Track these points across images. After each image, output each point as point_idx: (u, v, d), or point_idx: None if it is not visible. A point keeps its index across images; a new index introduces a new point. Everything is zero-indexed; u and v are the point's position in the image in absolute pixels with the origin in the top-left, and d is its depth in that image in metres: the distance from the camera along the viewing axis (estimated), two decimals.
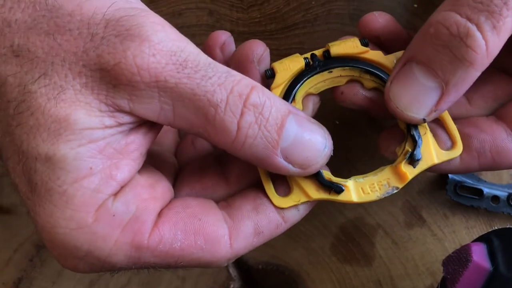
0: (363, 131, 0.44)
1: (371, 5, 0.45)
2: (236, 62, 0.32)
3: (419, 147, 0.30)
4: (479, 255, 0.32)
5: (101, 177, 0.26)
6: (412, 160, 0.30)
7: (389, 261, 0.43)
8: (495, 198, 0.41)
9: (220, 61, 0.32)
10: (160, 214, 0.28)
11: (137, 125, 0.28)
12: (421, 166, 0.30)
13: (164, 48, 0.26)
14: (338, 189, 0.30)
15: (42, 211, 0.26)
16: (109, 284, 0.43)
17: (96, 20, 0.26)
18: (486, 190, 0.41)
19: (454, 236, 0.43)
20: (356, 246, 0.43)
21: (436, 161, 0.31)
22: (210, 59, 0.28)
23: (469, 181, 0.42)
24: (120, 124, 0.27)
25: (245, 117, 0.27)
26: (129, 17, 0.26)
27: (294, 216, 0.31)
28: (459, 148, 0.31)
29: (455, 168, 0.32)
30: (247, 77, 0.28)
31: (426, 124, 0.31)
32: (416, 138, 0.30)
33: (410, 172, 0.30)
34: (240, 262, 0.44)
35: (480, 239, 0.34)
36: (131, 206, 0.27)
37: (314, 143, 0.28)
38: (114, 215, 0.27)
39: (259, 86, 0.28)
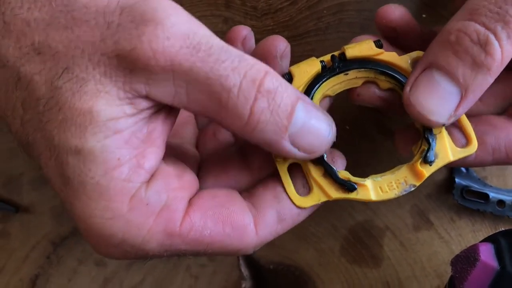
0: (373, 136, 0.45)
1: None
2: (258, 57, 0.32)
3: (433, 147, 0.31)
4: (487, 255, 0.33)
5: (129, 166, 0.27)
6: (427, 161, 0.31)
7: (397, 263, 0.44)
8: (501, 203, 0.42)
9: None
10: (190, 203, 0.29)
11: (155, 111, 0.28)
12: (437, 163, 0.31)
13: (178, 31, 0.26)
14: (351, 188, 0.31)
15: (77, 203, 0.27)
16: (123, 282, 0.44)
17: (111, 9, 0.26)
18: (492, 195, 0.42)
19: (461, 239, 0.44)
20: (365, 248, 0.44)
21: (451, 158, 0.31)
22: (223, 42, 0.27)
23: (475, 186, 0.43)
24: (140, 111, 0.27)
25: (258, 102, 0.27)
26: (142, 2, 0.27)
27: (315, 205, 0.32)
28: (474, 145, 0.32)
29: (469, 162, 0.33)
30: (260, 61, 0.28)
31: None
32: (431, 139, 0.31)
33: (426, 170, 0.31)
34: (252, 262, 0.45)
35: (487, 239, 0.35)
36: (163, 195, 0.28)
37: (320, 129, 0.29)
38: (147, 204, 0.27)
39: (272, 71, 0.28)
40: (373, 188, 0.31)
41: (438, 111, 0.30)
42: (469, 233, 0.44)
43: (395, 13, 0.35)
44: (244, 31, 0.34)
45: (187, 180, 0.30)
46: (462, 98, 0.30)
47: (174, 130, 0.33)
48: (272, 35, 0.33)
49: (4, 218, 0.45)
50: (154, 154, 0.28)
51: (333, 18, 0.46)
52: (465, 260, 0.34)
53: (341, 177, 0.31)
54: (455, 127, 0.33)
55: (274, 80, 0.28)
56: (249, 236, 0.29)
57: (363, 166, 0.45)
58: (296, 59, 0.46)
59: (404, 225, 0.44)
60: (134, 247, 0.28)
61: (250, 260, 0.45)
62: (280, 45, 0.33)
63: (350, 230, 0.44)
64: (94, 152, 0.26)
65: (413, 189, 0.31)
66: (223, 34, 0.46)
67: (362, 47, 0.33)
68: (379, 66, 0.33)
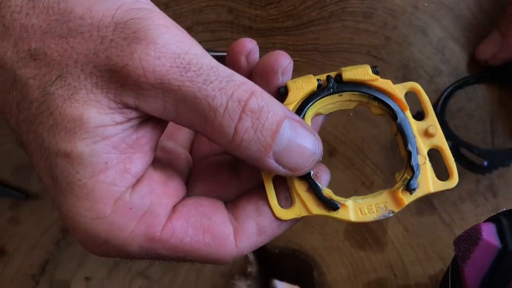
0: (376, 122, 0.46)
1: (383, 3, 0.47)
2: (260, 71, 0.33)
3: (416, 177, 0.31)
4: (489, 234, 0.34)
5: (116, 171, 0.28)
6: (409, 188, 0.31)
7: (400, 247, 0.44)
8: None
9: (244, 68, 0.33)
10: (174, 210, 0.30)
11: (145, 119, 0.29)
12: (417, 193, 0.31)
13: (169, 50, 0.27)
14: (334, 207, 0.31)
15: (65, 202, 0.28)
16: (132, 266, 0.44)
17: (105, 23, 0.27)
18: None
19: (463, 223, 0.44)
20: (369, 232, 0.44)
21: (432, 190, 0.32)
22: (213, 62, 0.28)
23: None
24: (129, 120, 0.28)
25: (243, 122, 0.28)
26: (136, 20, 0.27)
27: (295, 219, 0.32)
28: (455, 180, 0.32)
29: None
30: (248, 81, 0.29)
31: (426, 154, 0.32)
32: (415, 168, 0.32)
33: (406, 198, 0.31)
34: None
35: (489, 219, 0.36)
36: (147, 200, 0.29)
37: (305, 149, 0.29)
38: (131, 208, 0.28)
39: (258, 91, 0.28)
40: (353, 209, 0.31)
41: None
42: (472, 217, 0.44)
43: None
44: (250, 45, 0.34)
45: (173, 187, 0.31)
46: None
47: (170, 132, 0.35)
48: (277, 51, 0.33)
49: (15, 205, 0.45)
50: (141, 160, 0.29)
51: (336, 7, 0.47)
52: (468, 240, 0.34)
53: (324, 195, 0.31)
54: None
55: (259, 100, 0.28)
56: (228, 248, 0.30)
57: (367, 152, 0.46)
58: (300, 47, 0.47)
59: (408, 210, 0.44)
60: (116, 247, 0.28)
61: None
62: (283, 61, 0.33)
63: None
64: (82, 156, 0.27)
65: (391, 215, 0.32)
66: (228, 23, 0.47)
67: (359, 71, 0.33)
68: (372, 91, 0.33)
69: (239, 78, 0.28)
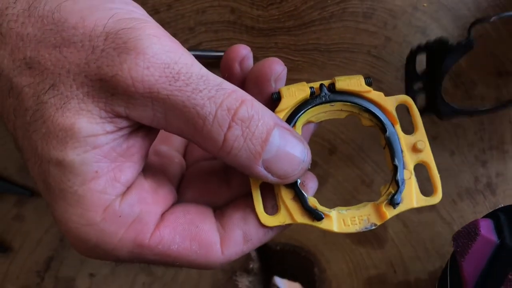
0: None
1: (383, 4, 0.47)
2: (253, 78, 0.33)
3: (400, 192, 0.32)
4: (487, 229, 0.35)
5: (106, 179, 0.28)
6: (393, 202, 0.32)
7: (400, 244, 0.45)
8: None
9: (237, 75, 0.33)
10: (162, 217, 0.30)
11: (135, 129, 0.29)
12: (400, 208, 0.32)
13: (158, 60, 0.27)
14: (318, 217, 0.31)
15: (57, 207, 0.29)
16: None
17: (97, 33, 0.27)
18: None
19: (462, 220, 0.45)
20: None
21: (415, 205, 0.32)
22: (203, 71, 0.29)
23: None
24: (120, 129, 0.28)
25: (232, 130, 0.28)
26: (127, 30, 0.27)
27: (280, 226, 0.32)
28: (438, 196, 0.32)
29: None
30: (238, 90, 0.29)
31: (412, 169, 0.32)
32: (400, 183, 0.32)
33: (389, 212, 0.32)
34: None
35: (487, 216, 0.36)
36: (136, 208, 0.29)
37: (294, 157, 0.30)
38: (120, 216, 0.29)
39: (249, 99, 0.29)
40: (336, 220, 0.32)
41: None
42: (471, 215, 0.45)
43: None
44: (243, 51, 0.34)
45: (162, 194, 0.31)
46: None
47: (164, 136, 0.35)
48: (271, 58, 0.33)
49: (20, 202, 0.46)
50: (131, 169, 0.29)
51: (337, 7, 0.48)
52: (466, 235, 0.35)
53: (309, 205, 0.31)
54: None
55: (249, 108, 0.29)
56: (215, 255, 0.30)
57: (367, 150, 0.47)
58: (301, 47, 0.48)
59: None
60: (106, 252, 0.29)
61: None
62: (277, 68, 0.33)
63: None
64: (73, 165, 0.28)
65: (373, 227, 0.32)
66: (230, 23, 0.48)
67: (352, 81, 0.34)
68: (364, 103, 0.33)
69: (229, 86, 0.29)
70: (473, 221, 0.36)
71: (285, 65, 0.33)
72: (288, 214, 0.32)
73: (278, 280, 0.51)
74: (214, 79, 0.29)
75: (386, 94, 0.34)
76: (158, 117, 0.28)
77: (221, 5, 0.48)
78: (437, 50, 0.39)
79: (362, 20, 0.47)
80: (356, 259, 0.45)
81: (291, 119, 0.33)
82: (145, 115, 0.28)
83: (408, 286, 0.44)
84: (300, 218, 0.32)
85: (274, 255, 0.46)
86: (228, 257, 0.31)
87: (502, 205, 0.37)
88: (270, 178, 0.30)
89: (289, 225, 0.32)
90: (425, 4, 0.48)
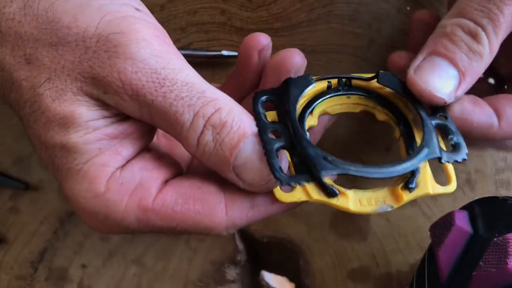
0: (368, 126, 0.48)
1: (368, 7, 0.49)
2: (274, 67, 0.34)
3: (416, 176, 0.32)
4: (462, 220, 0.36)
5: (109, 154, 0.30)
6: (407, 186, 0.32)
7: (383, 237, 0.46)
8: None
9: (254, 63, 0.34)
10: (166, 183, 0.32)
11: None
12: (417, 192, 0.32)
13: (146, 66, 0.29)
14: (333, 193, 0.31)
15: (66, 185, 0.30)
16: (126, 254, 0.46)
17: (89, 34, 0.29)
18: None
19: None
20: (352, 222, 0.46)
21: (431, 191, 0.32)
22: (189, 77, 0.30)
23: None
24: (116, 114, 0.30)
25: (203, 135, 0.29)
26: (117, 34, 0.29)
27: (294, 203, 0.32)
28: (453, 186, 0.33)
29: (493, 133, 0.37)
30: (221, 98, 0.30)
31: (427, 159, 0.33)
32: (415, 169, 0.32)
33: (406, 195, 0.32)
34: (246, 236, 0.47)
35: (463, 208, 0.38)
36: (136, 175, 0.31)
37: (262, 168, 0.30)
38: (121, 184, 0.30)
39: (226, 107, 0.30)
40: (353, 199, 0.31)
41: (441, 88, 0.33)
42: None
43: (402, 64, 0.38)
44: (265, 41, 0.34)
45: (165, 162, 0.32)
46: (460, 80, 0.34)
47: None
48: (292, 49, 0.34)
49: (15, 195, 0.47)
50: (131, 144, 0.31)
51: (323, 10, 0.49)
52: (442, 226, 0.37)
53: (325, 181, 0.31)
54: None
55: (223, 115, 0.29)
56: (218, 215, 0.31)
57: (360, 153, 0.48)
58: (288, 47, 0.49)
59: None
60: (116, 222, 0.31)
61: (245, 234, 0.47)
62: (298, 60, 0.34)
63: None
64: (77, 145, 0.30)
65: (389, 209, 0.32)
66: (220, 24, 0.50)
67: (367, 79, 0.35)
68: (379, 98, 0.35)
69: (211, 95, 0.30)
70: (449, 212, 0.37)
71: None
72: (304, 191, 0.31)
73: (266, 275, 0.53)
74: (199, 86, 0.30)
75: None
76: (145, 115, 0.30)
77: (212, 6, 0.49)
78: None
79: (347, 22, 0.49)
80: (340, 252, 0.46)
81: (308, 107, 0.34)
82: (133, 112, 0.30)
83: (390, 278, 0.46)
84: (316, 195, 0.31)
85: (261, 247, 0.48)
86: (233, 219, 0.31)
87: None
88: (242, 185, 0.31)
89: (303, 202, 0.31)
90: (408, 8, 0.50)
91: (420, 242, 0.46)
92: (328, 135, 0.48)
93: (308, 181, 0.30)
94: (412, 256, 0.46)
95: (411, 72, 0.34)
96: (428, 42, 0.35)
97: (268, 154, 0.30)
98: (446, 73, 0.34)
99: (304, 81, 0.33)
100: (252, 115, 0.32)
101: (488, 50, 0.34)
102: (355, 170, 0.30)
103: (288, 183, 0.30)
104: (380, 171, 0.31)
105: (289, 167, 0.32)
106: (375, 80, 0.35)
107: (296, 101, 0.33)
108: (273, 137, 0.31)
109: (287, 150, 0.31)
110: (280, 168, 0.30)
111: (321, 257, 0.46)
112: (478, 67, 0.34)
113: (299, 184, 0.30)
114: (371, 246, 0.46)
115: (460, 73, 0.34)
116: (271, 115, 0.33)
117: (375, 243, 0.46)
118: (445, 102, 0.34)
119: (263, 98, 0.33)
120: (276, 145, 0.31)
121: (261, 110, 0.32)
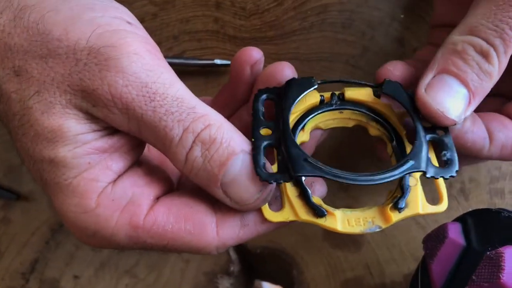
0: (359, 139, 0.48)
1: (361, 15, 0.49)
2: (264, 80, 0.34)
3: (405, 196, 0.32)
4: (455, 233, 0.36)
5: (99, 168, 0.30)
6: (396, 206, 0.32)
7: (376, 247, 0.46)
8: None
9: (247, 77, 0.35)
10: (158, 200, 0.31)
11: None
12: (406, 212, 0.32)
13: (137, 80, 0.29)
14: (321, 213, 0.31)
15: (56, 200, 0.30)
16: (118, 265, 0.46)
17: (80, 47, 0.29)
18: None
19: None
20: None
21: (420, 211, 0.33)
22: (180, 92, 0.29)
23: None
24: (105, 128, 0.30)
25: (192, 151, 0.29)
26: (108, 48, 0.29)
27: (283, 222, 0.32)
28: (444, 205, 0.33)
29: (481, 155, 0.36)
30: (211, 114, 0.30)
31: (418, 176, 0.33)
32: (405, 189, 0.32)
33: (395, 215, 0.32)
34: (240, 247, 0.47)
35: (456, 219, 0.38)
36: (128, 191, 0.30)
37: (250, 187, 0.30)
38: (113, 200, 0.30)
39: (217, 124, 0.30)
40: (341, 219, 0.32)
41: (453, 108, 0.33)
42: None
43: (396, 74, 0.36)
44: (257, 56, 0.35)
45: (156, 177, 0.32)
46: (470, 100, 0.33)
47: None
48: (282, 62, 0.34)
49: (6, 206, 0.47)
50: (121, 158, 0.31)
51: (316, 18, 0.49)
52: (435, 238, 0.36)
53: (313, 201, 0.31)
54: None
55: (213, 132, 0.29)
56: (209, 235, 0.31)
57: (351, 166, 0.48)
58: (282, 56, 0.49)
59: None
60: (106, 238, 0.30)
61: (238, 244, 0.47)
62: (287, 72, 0.34)
63: None
64: (65, 160, 0.29)
65: (378, 230, 0.32)
66: (213, 33, 0.49)
67: (361, 92, 0.34)
68: (373, 112, 0.34)
69: (201, 110, 0.30)
70: (442, 224, 0.37)
71: None
72: (292, 210, 0.31)
73: (263, 284, 0.52)
74: (189, 102, 0.30)
75: None
76: (134, 129, 0.30)
77: (205, 14, 0.49)
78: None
79: (340, 30, 0.49)
80: (334, 262, 0.46)
81: (300, 123, 0.33)
82: (122, 125, 0.30)
83: None
84: (305, 215, 0.31)
85: (254, 258, 0.47)
86: (224, 239, 0.31)
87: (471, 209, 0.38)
88: (229, 203, 0.31)
89: (292, 221, 0.32)
90: (402, 15, 0.50)
91: (414, 252, 0.46)
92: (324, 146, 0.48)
93: (286, 181, 0.30)
94: (406, 266, 0.46)
95: (421, 90, 0.34)
96: (438, 59, 0.34)
97: (255, 150, 0.30)
98: (457, 93, 0.33)
99: (306, 83, 0.34)
100: (249, 118, 0.32)
101: (497, 70, 0.33)
102: (332, 175, 0.30)
103: (266, 179, 0.30)
104: (357, 178, 0.31)
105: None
106: (373, 91, 0.34)
107: (294, 101, 0.33)
108: (266, 134, 0.31)
109: (275, 148, 0.31)
110: (264, 164, 0.30)
111: (315, 267, 0.46)
112: (487, 87, 0.34)
113: (276, 182, 0.30)
114: (365, 256, 0.46)
115: (471, 93, 0.33)
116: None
117: (369, 253, 0.46)
118: (456, 123, 0.34)
119: (264, 96, 0.33)
120: (265, 142, 0.31)
121: (260, 107, 0.33)
